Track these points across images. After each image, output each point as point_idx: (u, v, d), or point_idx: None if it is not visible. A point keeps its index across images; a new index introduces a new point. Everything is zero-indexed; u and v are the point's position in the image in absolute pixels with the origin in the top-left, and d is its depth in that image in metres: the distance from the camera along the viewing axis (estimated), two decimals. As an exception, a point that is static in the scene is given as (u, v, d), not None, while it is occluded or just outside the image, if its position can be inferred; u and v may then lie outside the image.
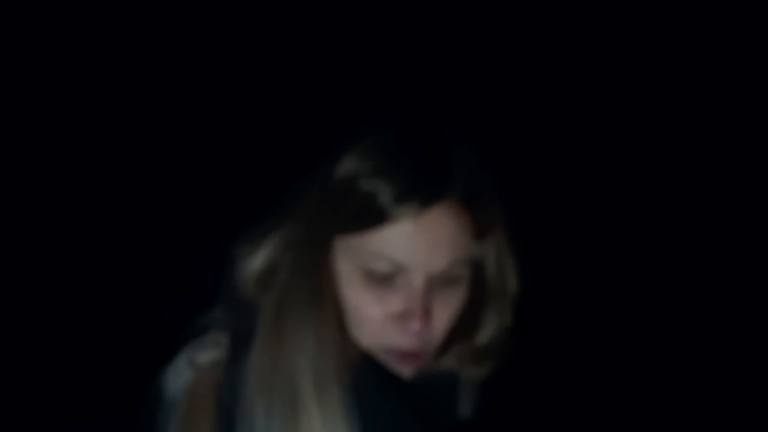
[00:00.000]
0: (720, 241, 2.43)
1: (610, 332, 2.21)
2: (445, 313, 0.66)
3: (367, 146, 0.66)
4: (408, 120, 0.71)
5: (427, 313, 0.64)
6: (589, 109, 2.51)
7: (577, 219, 2.50)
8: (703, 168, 2.49)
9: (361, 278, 0.65)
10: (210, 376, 0.68)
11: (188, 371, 0.69)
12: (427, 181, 0.63)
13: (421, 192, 0.62)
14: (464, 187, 0.65)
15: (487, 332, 0.72)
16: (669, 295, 2.42)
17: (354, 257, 0.65)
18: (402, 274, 0.64)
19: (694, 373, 2.19)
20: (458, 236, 0.65)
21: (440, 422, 0.70)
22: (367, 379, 0.65)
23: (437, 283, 0.66)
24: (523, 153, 2.28)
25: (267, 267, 0.70)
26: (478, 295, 0.72)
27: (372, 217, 0.62)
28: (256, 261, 0.70)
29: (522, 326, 0.74)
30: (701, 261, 2.42)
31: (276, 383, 0.64)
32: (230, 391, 0.66)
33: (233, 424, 0.64)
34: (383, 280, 0.65)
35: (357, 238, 0.64)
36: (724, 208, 2.44)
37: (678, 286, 2.43)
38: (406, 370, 0.68)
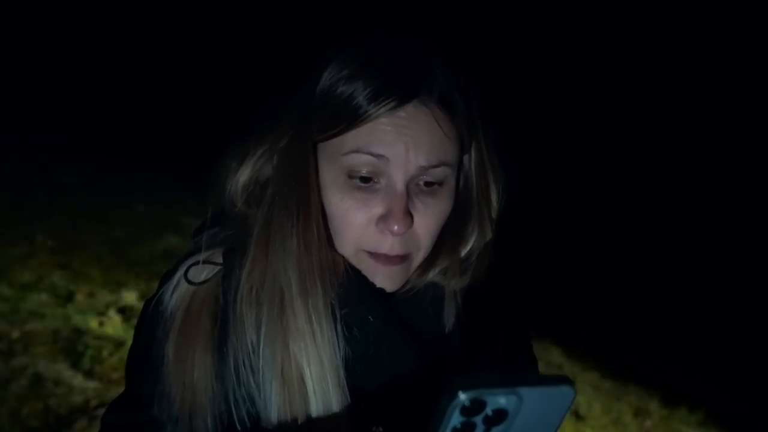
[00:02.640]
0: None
1: (590, 242, 2.27)
2: (427, 218, 0.67)
3: (344, 57, 0.66)
4: (385, 33, 0.70)
5: (407, 215, 0.65)
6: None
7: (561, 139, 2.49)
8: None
9: (344, 182, 0.66)
10: (205, 291, 0.70)
11: (184, 287, 0.70)
12: (402, 80, 0.64)
13: (396, 90, 0.63)
14: (442, 89, 0.66)
15: (470, 244, 0.73)
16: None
17: (335, 159, 0.66)
18: (382, 175, 0.65)
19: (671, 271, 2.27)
20: (436, 136, 0.65)
21: (426, 334, 0.71)
22: (352, 290, 0.67)
23: (419, 188, 0.67)
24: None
25: (253, 180, 0.71)
26: (464, 209, 0.73)
27: (350, 116, 0.63)
28: (242, 175, 0.71)
29: (504, 237, 0.75)
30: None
31: (265, 290, 0.66)
32: (224, 303, 0.68)
33: (227, 334, 0.67)
34: (365, 182, 0.66)
35: (337, 139, 0.65)
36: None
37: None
38: (388, 284, 0.69)
